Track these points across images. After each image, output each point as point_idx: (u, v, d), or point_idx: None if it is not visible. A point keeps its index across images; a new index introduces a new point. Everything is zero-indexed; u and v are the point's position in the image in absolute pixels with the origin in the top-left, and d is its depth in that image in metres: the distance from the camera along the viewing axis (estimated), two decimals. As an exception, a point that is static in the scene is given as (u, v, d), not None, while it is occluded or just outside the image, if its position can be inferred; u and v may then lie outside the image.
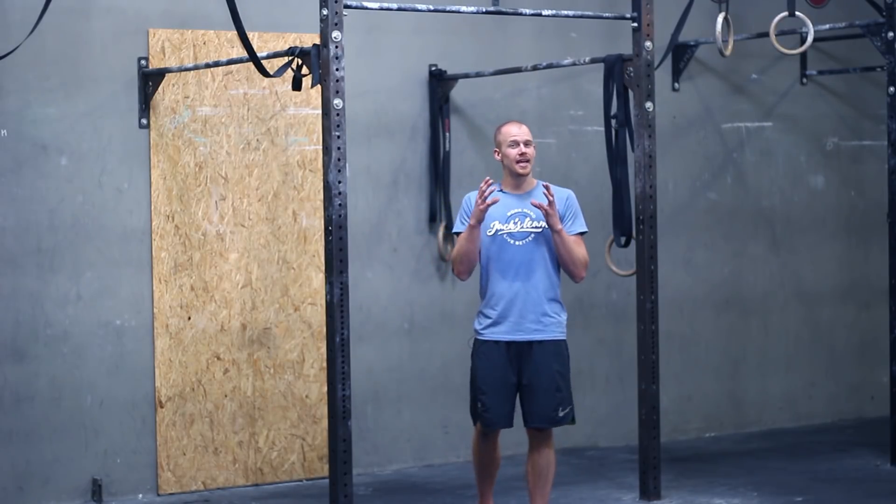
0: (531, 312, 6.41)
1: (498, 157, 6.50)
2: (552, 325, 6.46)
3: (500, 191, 6.49)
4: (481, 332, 6.49)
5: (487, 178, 6.34)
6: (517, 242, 6.40)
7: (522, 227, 6.41)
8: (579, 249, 6.44)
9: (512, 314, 6.42)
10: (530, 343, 6.42)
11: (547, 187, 6.33)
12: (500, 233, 6.42)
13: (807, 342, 9.71)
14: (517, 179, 6.47)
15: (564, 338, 6.52)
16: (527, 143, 6.42)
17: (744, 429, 9.42)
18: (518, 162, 6.42)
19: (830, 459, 8.48)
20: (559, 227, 6.34)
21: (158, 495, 7.66)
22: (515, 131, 6.44)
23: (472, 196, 6.47)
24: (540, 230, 6.40)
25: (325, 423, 7.83)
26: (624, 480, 7.87)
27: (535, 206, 6.32)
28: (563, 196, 6.49)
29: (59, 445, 7.43)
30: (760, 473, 8.10)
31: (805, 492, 7.62)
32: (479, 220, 6.34)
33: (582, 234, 6.51)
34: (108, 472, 7.53)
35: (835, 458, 8.53)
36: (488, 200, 6.28)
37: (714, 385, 9.36)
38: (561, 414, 6.46)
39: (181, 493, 7.70)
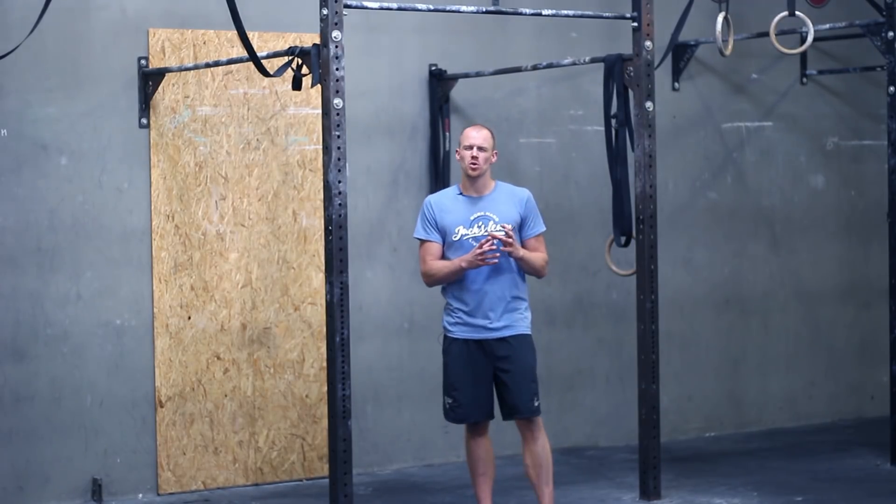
0: (499, 311, 6.53)
1: (458, 158, 6.60)
2: (520, 321, 6.59)
3: (460, 194, 6.61)
4: (451, 330, 6.60)
5: (489, 237, 6.42)
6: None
7: (486, 231, 6.49)
8: (540, 257, 6.60)
9: (481, 314, 6.52)
10: (500, 340, 6.53)
11: (504, 228, 6.42)
12: (465, 237, 6.51)
13: (807, 342, 9.71)
14: (471, 181, 6.57)
15: (531, 332, 6.64)
16: (480, 148, 6.51)
17: (744, 429, 9.42)
18: (469, 164, 6.52)
19: (830, 459, 8.48)
20: (521, 254, 6.48)
21: (158, 495, 7.66)
22: (472, 135, 6.55)
23: (432, 200, 6.63)
24: (503, 232, 6.48)
25: (325, 422, 7.83)
26: (624, 480, 7.87)
27: (498, 239, 6.42)
28: (524, 197, 6.62)
29: (59, 445, 7.43)
30: (760, 473, 8.09)
31: (805, 492, 7.62)
32: (473, 266, 6.44)
33: (541, 233, 6.66)
34: (108, 472, 7.53)
35: (835, 458, 8.53)
36: (490, 261, 6.40)
37: (714, 385, 9.36)
38: (536, 403, 6.59)
39: (181, 492, 7.70)
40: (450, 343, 6.61)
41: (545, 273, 6.67)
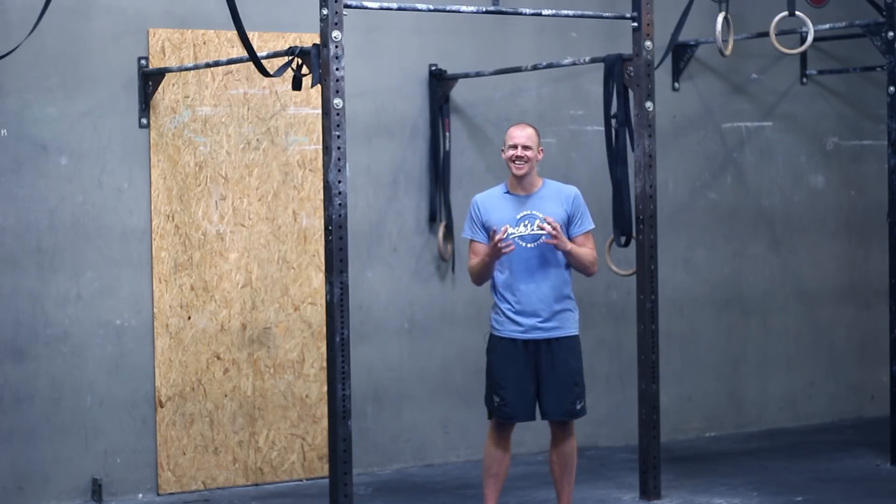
0: (546, 311, 6.52)
1: (504, 157, 6.58)
2: (567, 322, 6.58)
3: (507, 192, 6.59)
4: (498, 328, 6.58)
5: (505, 229, 6.40)
6: (529, 245, 6.50)
7: (533, 230, 6.50)
8: (588, 253, 6.57)
9: (528, 313, 6.51)
10: (548, 341, 6.53)
11: (548, 221, 6.41)
12: (511, 236, 6.48)
13: (807, 342, 9.71)
14: (518, 180, 6.54)
15: (578, 333, 6.63)
16: (525, 147, 6.50)
17: (744, 429, 9.42)
18: (513, 162, 6.50)
19: (830, 459, 8.48)
20: (568, 247, 6.47)
21: (158, 495, 7.66)
22: (516, 134, 6.54)
23: (479, 199, 6.61)
24: (548, 226, 6.46)
25: (325, 422, 7.83)
26: (624, 480, 7.87)
27: (542, 229, 6.43)
28: (571, 195, 6.61)
29: (59, 445, 7.43)
30: (760, 473, 8.09)
31: (805, 492, 7.62)
32: (495, 258, 6.43)
33: (589, 230, 6.63)
34: (108, 472, 7.54)
35: (835, 458, 8.53)
36: (505, 251, 6.37)
37: (714, 385, 9.36)
38: (578, 407, 6.60)
39: (181, 492, 7.70)
40: (496, 341, 6.59)
41: (594, 270, 6.62)
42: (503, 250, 6.36)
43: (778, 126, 9.58)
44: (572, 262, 6.53)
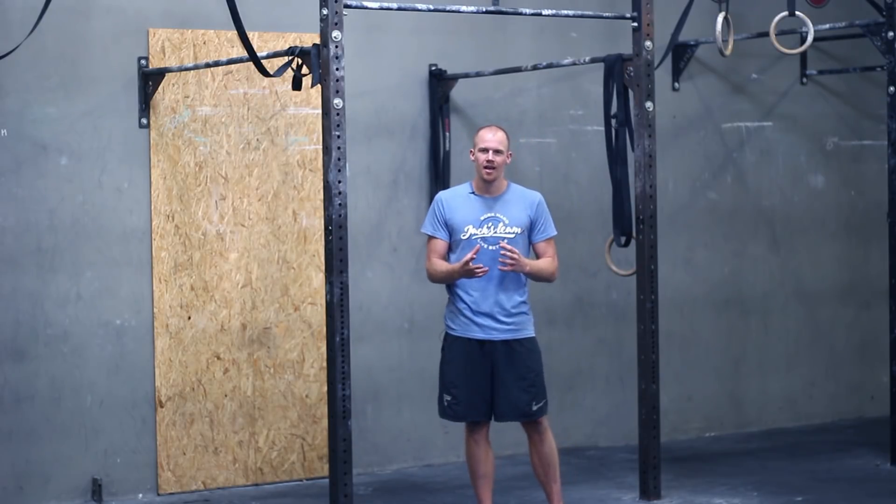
0: (504, 313, 6.56)
1: (472, 158, 6.61)
2: (525, 324, 6.62)
3: (472, 193, 6.62)
4: (454, 328, 6.61)
5: (477, 248, 6.40)
6: (491, 247, 6.53)
7: (496, 232, 6.53)
8: (548, 263, 6.62)
9: (486, 314, 6.54)
10: (505, 342, 6.56)
11: (506, 247, 6.43)
12: (474, 237, 6.52)
13: (807, 342, 9.71)
14: (485, 183, 6.56)
15: (534, 334, 6.66)
16: (496, 152, 6.53)
17: (744, 429, 9.42)
18: (484, 168, 6.55)
19: (830, 459, 8.48)
20: (527, 269, 6.50)
21: (158, 495, 7.66)
22: (488, 137, 6.57)
23: (444, 197, 6.65)
24: (513, 235, 6.54)
25: (325, 422, 7.83)
26: (624, 480, 7.87)
27: (501, 266, 6.46)
28: (535, 201, 6.65)
29: (59, 445, 7.43)
30: (760, 473, 8.10)
31: (805, 492, 7.62)
32: (464, 276, 6.45)
33: (552, 237, 6.70)
34: (108, 472, 7.54)
35: (835, 458, 8.53)
36: (478, 273, 6.40)
37: (714, 385, 9.36)
38: (535, 408, 6.60)
39: (181, 492, 7.70)
40: (452, 341, 6.61)
41: (555, 278, 6.70)
42: (476, 273, 6.38)
43: (778, 126, 9.58)
44: (532, 278, 6.59)
